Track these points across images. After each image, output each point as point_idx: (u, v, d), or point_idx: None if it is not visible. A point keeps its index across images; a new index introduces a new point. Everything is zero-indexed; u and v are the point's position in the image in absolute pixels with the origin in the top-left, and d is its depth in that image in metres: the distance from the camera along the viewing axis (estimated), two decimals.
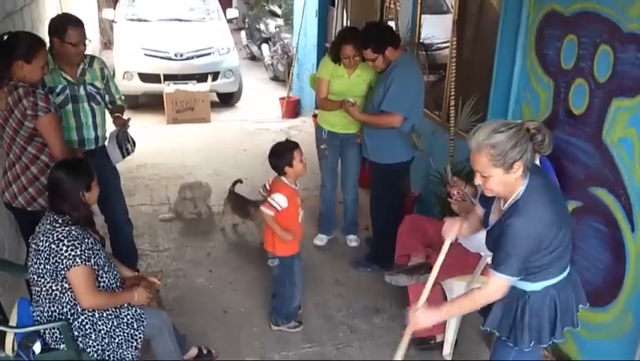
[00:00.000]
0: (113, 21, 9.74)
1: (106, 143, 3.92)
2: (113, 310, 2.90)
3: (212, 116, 8.48)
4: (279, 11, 12.80)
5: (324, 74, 4.51)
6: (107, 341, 2.86)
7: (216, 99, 9.24)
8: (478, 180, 2.35)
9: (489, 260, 2.47)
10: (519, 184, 2.31)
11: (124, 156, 3.91)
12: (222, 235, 5.20)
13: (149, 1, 9.74)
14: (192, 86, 8.41)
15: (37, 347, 2.79)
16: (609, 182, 3.09)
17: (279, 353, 3.70)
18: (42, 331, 2.84)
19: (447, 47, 4.86)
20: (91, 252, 2.79)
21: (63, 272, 2.73)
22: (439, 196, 4.38)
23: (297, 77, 9.18)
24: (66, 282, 2.76)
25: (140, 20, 9.36)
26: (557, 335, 2.46)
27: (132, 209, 5.14)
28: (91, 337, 2.84)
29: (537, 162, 3.29)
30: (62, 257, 2.71)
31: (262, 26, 12.14)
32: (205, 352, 3.55)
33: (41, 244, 2.74)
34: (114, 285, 2.97)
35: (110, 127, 4.00)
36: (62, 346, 2.84)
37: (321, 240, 5.01)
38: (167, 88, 8.28)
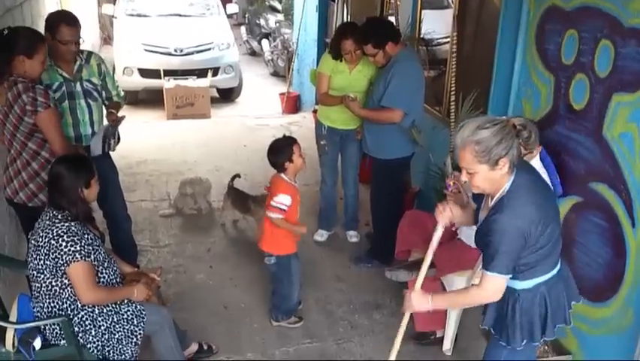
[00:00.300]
0: (112, 16, 9.73)
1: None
2: (113, 306, 2.91)
3: (212, 112, 8.47)
4: (279, 6, 12.77)
5: (325, 69, 4.50)
6: (107, 337, 2.86)
7: (216, 95, 9.23)
8: (464, 177, 2.34)
9: None
10: (505, 181, 2.29)
11: (104, 151, 3.85)
12: (223, 230, 5.20)
13: None
14: (192, 82, 8.40)
15: (37, 343, 2.79)
16: (610, 177, 3.09)
17: (279, 349, 3.70)
18: (42, 327, 2.84)
19: (447, 42, 4.85)
20: (90, 247, 2.79)
21: (63, 268, 2.73)
22: (439, 192, 4.37)
23: (297, 73, 9.16)
24: (66, 278, 2.76)
25: (139, 16, 9.34)
26: (548, 333, 2.44)
27: (132, 205, 5.15)
28: (91, 333, 2.84)
29: (537, 157, 3.31)
30: (62, 253, 2.71)
31: (262, 21, 12.12)
32: (205, 348, 3.56)
33: (41, 239, 2.74)
34: (114, 281, 2.97)
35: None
36: (63, 342, 2.84)
37: (321, 235, 5.01)
38: (167, 83, 8.27)
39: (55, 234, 2.72)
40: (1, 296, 3.05)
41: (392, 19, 5.63)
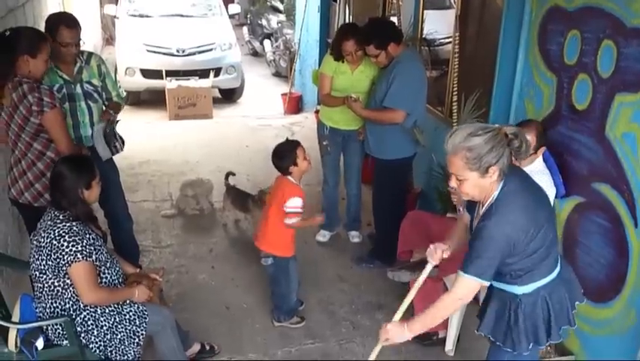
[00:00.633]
0: (115, 17, 9.73)
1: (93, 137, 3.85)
2: (116, 306, 2.91)
3: (214, 112, 8.46)
4: (281, 7, 12.78)
5: (327, 70, 4.49)
6: (109, 337, 2.86)
7: (218, 95, 9.23)
8: (453, 184, 2.33)
9: None
10: (494, 188, 2.28)
11: (113, 154, 3.85)
12: (224, 231, 5.20)
13: None
14: (194, 82, 8.40)
15: (39, 343, 2.79)
16: (612, 177, 3.08)
17: (281, 349, 3.70)
18: (45, 327, 2.85)
19: (449, 42, 4.85)
20: (92, 247, 2.79)
21: (64, 268, 2.73)
22: (442, 192, 4.37)
23: (299, 73, 9.16)
24: (68, 278, 2.76)
25: (142, 16, 9.35)
26: (554, 336, 2.42)
27: (134, 205, 5.16)
28: (93, 333, 2.85)
29: (540, 157, 3.31)
30: (63, 253, 2.71)
31: (264, 22, 12.13)
32: (207, 348, 3.56)
33: (42, 240, 2.74)
34: (116, 281, 2.97)
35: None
36: (65, 342, 2.84)
37: (323, 236, 5.00)
38: (170, 84, 8.28)
39: (56, 234, 2.72)
40: (3, 296, 3.05)
41: (394, 19, 5.63)
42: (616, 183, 3.07)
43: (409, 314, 3.59)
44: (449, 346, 3.63)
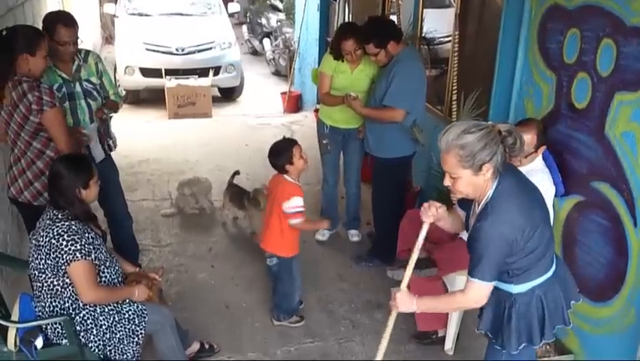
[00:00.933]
0: (114, 15, 9.71)
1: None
2: (115, 305, 2.91)
3: (213, 111, 8.46)
4: (280, 5, 12.76)
5: (327, 69, 4.49)
6: (108, 336, 2.86)
7: (218, 94, 9.22)
8: (447, 181, 2.33)
9: None
10: (488, 186, 2.28)
11: (106, 153, 3.84)
12: (224, 229, 5.20)
13: None
14: (194, 81, 8.39)
15: (39, 342, 2.79)
16: (612, 176, 3.08)
17: (280, 348, 3.70)
18: (44, 326, 2.85)
19: (449, 41, 4.84)
20: (91, 247, 2.79)
21: (64, 267, 2.73)
22: (441, 191, 4.36)
23: (299, 72, 9.16)
24: (67, 277, 2.76)
25: (141, 15, 9.33)
26: (547, 335, 2.42)
27: (134, 204, 5.16)
28: (92, 332, 2.84)
29: (540, 156, 3.31)
30: (62, 252, 2.71)
31: (264, 21, 12.11)
32: (207, 347, 3.56)
33: (41, 239, 2.74)
34: (116, 280, 2.97)
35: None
36: (64, 341, 2.84)
37: (322, 235, 5.00)
38: (169, 83, 8.27)
39: (55, 233, 2.72)
40: (3, 295, 3.05)
41: (394, 18, 5.63)
42: (615, 182, 3.06)
43: (411, 320, 3.60)
44: (448, 345, 3.63)
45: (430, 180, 4.93)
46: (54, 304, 2.82)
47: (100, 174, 2.99)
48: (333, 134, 4.68)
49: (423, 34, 5.48)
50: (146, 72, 8.47)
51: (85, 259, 2.74)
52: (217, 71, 8.72)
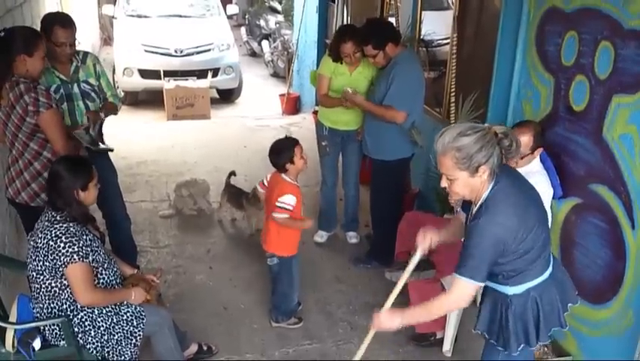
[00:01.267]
0: (112, 17, 9.72)
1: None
2: (113, 307, 2.91)
3: (212, 113, 8.46)
4: (279, 7, 12.78)
5: (325, 71, 4.50)
6: (106, 337, 2.86)
7: (216, 96, 9.23)
8: (444, 183, 2.33)
9: None
10: (485, 188, 2.28)
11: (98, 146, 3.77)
12: (222, 231, 5.20)
13: None
14: (192, 83, 8.40)
15: (37, 344, 2.79)
16: (609, 179, 3.09)
17: (279, 350, 3.70)
18: (42, 327, 2.85)
19: (447, 43, 4.85)
20: (89, 249, 2.79)
21: (61, 269, 2.73)
22: (439, 193, 4.37)
23: (297, 74, 9.17)
24: (65, 279, 2.76)
25: (140, 16, 9.34)
26: (542, 337, 2.42)
27: (132, 206, 5.15)
28: (90, 333, 2.84)
29: (538, 158, 3.32)
30: (60, 254, 2.70)
31: (262, 22, 12.13)
32: (205, 348, 3.56)
33: (40, 240, 2.74)
34: (114, 282, 2.97)
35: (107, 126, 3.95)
36: (62, 342, 2.84)
37: (321, 237, 5.00)
38: (167, 84, 8.27)
39: (53, 235, 2.72)
40: (1, 297, 3.05)
41: (392, 20, 5.64)
42: (613, 185, 3.07)
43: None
44: (447, 347, 3.63)
45: (428, 181, 4.94)
46: (52, 305, 2.82)
47: (98, 176, 2.99)
48: (332, 136, 4.68)
49: (421, 37, 5.49)
50: (145, 74, 8.47)
51: (82, 261, 2.74)
52: (216, 72, 8.73)
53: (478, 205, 2.31)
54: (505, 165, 2.33)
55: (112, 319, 2.88)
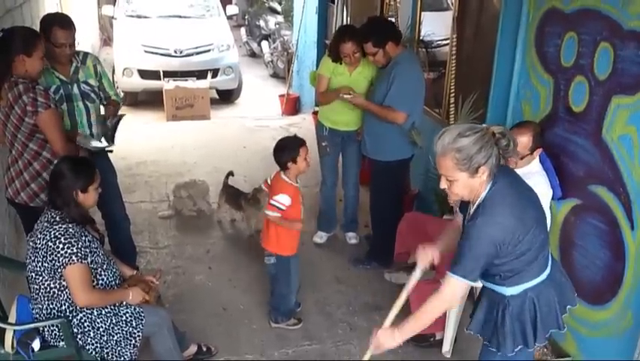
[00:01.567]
0: (112, 17, 9.72)
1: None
2: (112, 307, 2.90)
3: (211, 113, 8.46)
4: (278, 8, 12.78)
5: (325, 71, 4.49)
6: (105, 338, 2.86)
7: (216, 96, 9.23)
8: (443, 184, 2.33)
9: None
10: (483, 188, 2.28)
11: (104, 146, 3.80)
12: (221, 231, 5.20)
13: None
14: (192, 83, 8.41)
15: (36, 344, 2.79)
16: (609, 180, 3.09)
17: (278, 351, 3.70)
18: (41, 328, 2.84)
19: (447, 44, 4.85)
20: (88, 250, 2.79)
21: (60, 270, 2.73)
22: (439, 194, 4.37)
23: (297, 74, 9.17)
24: (64, 280, 2.76)
25: (139, 17, 9.34)
26: (539, 339, 2.41)
27: (132, 206, 5.15)
28: (89, 334, 2.84)
29: (537, 159, 3.32)
30: (59, 255, 2.70)
31: (262, 23, 12.13)
32: (204, 349, 3.56)
33: (39, 241, 2.74)
34: (113, 283, 2.97)
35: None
36: (61, 343, 2.84)
37: (320, 237, 5.00)
38: (167, 85, 8.28)
39: (52, 236, 2.71)
40: (0, 297, 3.05)
41: (392, 20, 5.64)
42: (612, 186, 3.07)
43: (405, 316, 3.58)
44: (446, 347, 3.63)
45: (427, 182, 4.94)
46: (51, 306, 2.82)
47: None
48: (332, 136, 4.68)
49: (421, 37, 5.49)
50: (144, 74, 8.48)
51: (81, 262, 2.73)
52: (215, 73, 8.74)
53: (475, 205, 2.31)
54: (503, 166, 2.33)
55: (111, 319, 2.88)
